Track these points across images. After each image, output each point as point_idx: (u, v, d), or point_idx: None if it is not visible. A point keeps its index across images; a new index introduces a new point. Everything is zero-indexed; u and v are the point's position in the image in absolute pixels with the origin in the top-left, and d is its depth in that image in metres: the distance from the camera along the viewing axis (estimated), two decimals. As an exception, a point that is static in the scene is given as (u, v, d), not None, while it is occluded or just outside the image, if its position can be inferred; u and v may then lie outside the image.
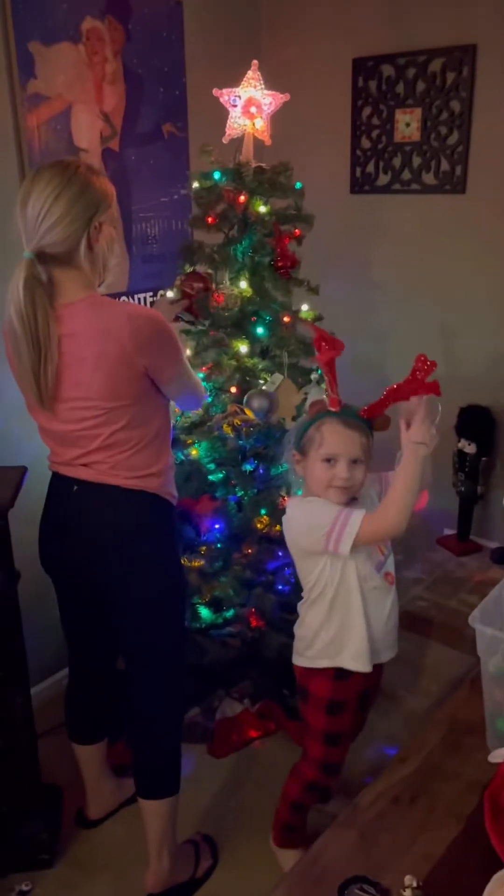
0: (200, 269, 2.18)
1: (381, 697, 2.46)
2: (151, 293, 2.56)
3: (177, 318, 2.08)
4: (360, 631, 1.69)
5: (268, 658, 2.30)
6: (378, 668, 1.81)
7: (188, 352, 2.13)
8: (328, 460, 1.62)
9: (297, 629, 1.80)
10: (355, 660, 1.71)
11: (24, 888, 1.85)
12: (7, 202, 1.59)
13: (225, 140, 2.12)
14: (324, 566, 1.68)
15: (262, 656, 2.31)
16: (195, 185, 2.17)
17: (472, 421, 2.69)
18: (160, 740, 1.81)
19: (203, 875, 1.91)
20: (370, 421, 1.68)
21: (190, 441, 2.23)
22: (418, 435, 1.57)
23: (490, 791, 1.33)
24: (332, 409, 1.64)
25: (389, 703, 2.49)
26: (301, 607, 1.77)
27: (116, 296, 2.45)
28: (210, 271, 2.16)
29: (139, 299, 2.54)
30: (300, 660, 1.79)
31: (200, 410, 2.21)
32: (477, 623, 1.43)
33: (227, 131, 2.11)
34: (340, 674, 1.72)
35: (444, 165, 2.62)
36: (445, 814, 1.40)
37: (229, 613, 2.26)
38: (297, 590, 2.33)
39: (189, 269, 2.17)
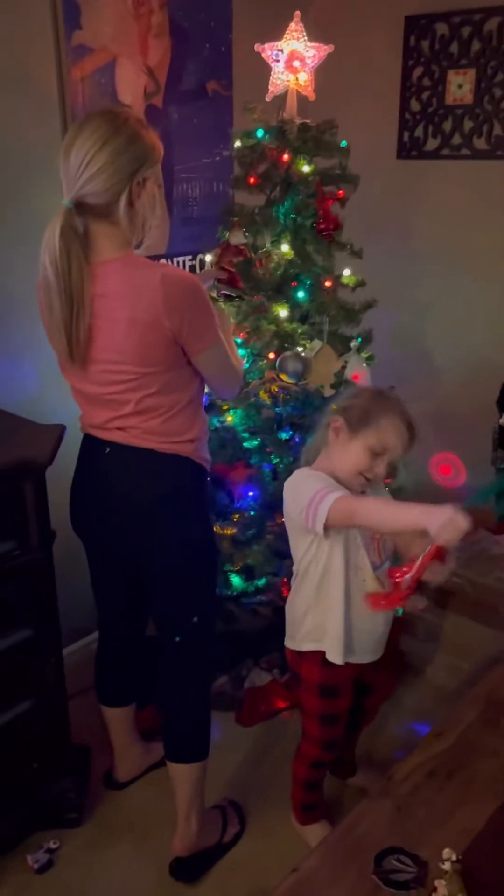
0: (234, 240, 2.12)
1: (408, 674, 2.46)
2: (191, 256, 2.51)
3: (221, 294, 2.02)
4: (336, 620, 1.64)
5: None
6: (378, 661, 1.77)
7: (231, 319, 2.08)
8: (375, 452, 1.57)
9: (287, 610, 1.77)
10: (330, 650, 1.68)
11: (52, 846, 1.87)
12: (50, 156, 1.56)
13: (268, 98, 2.06)
14: (310, 544, 1.64)
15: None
16: (237, 143, 2.12)
17: (515, 396, 2.62)
18: (190, 705, 1.80)
19: (230, 840, 1.91)
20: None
21: (225, 407, 2.20)
22: (442, 531, 1.31)
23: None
24: None
25: (418, 679, 2.47)
26: (292, 586, 1.74)
27: (156, 258, 2.41)
28: (245, 243, 2.10)
29: (178, 262, 2.50)
30: (290, 642, 1.77)
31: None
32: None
33: (271, 88, 2.04)
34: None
35: (497, 129, 2.53)
36: (483, 789, 1.39)
37: (261, 582, 2.24)
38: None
39: (224, 241, 2.11)
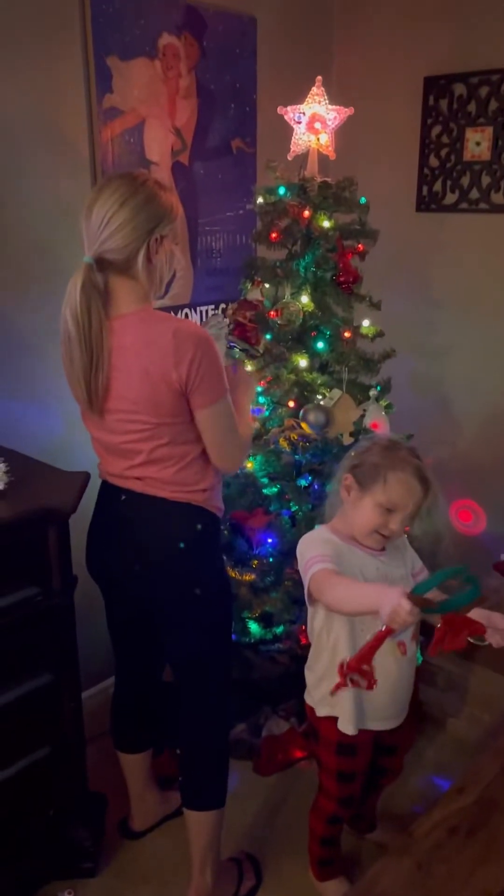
0: (251, 295, 2.19)
1: (428, 725, 2.43)
2: (213, 306, 2.57)
3: (231, 346, 2.09)
4: (346, 691, 1.60)
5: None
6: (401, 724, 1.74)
7: (248, 367, 2.13)
8: (386, 509, 1.55)
9: (307, 665, 1.76)
10: (342, 719, 1.65)
11: None
12: (81, 212, 1.62)
13: (290, 157, 2.13)
14: (316, 607, 1.62)
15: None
16: (260, 199, 2.18)
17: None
18: (206, 751, 1.79)
19: (246, 894, 1.88)
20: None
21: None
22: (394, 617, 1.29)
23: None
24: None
25: (438, 731, 2.43)
26: (312, 642, 1.73)
27: (179, 307, 2.47)
28: (261, 298, 2.17)
29: (201, 312, 2.55)
30: (308, 698, 1.75)
31: (257, 424, 2.21)
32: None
33: (292, 148, 2.12)
34: None
35: (514, 184, 2.57)
36: (504, 848, 1.36)
37: (279, 629, 2.24)
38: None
39: (242, 296, 2.18)
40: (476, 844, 1.37)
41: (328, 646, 1.64)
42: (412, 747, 2.31)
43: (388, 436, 1.84)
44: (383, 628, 1.32)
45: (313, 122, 2.05)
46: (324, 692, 1.68)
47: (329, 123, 2.09)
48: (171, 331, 1.49)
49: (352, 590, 1.46)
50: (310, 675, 1.74)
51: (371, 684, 1.36)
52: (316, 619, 1.65)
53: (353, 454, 1.65)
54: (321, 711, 1.71)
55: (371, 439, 1.68)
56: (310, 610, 1.66)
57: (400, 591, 1.28)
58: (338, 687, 1.40)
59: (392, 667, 1.63)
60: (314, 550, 1.55)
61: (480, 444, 2.84)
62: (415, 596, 1.29)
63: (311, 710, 1.76)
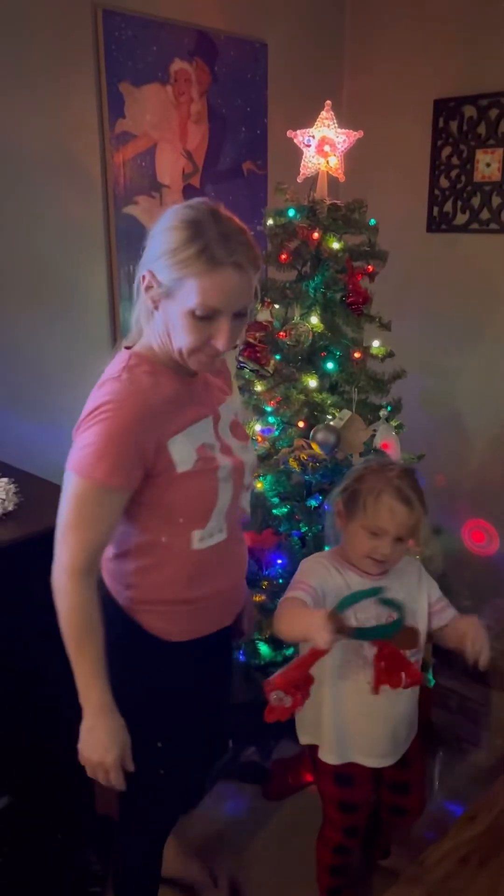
0: (261, 316, 2.19)
1: (441, 749, 2.39)
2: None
3: (241, 366, 2.08)
4: (327, 720, 1.58)
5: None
6: (401, 760, 1.67)
7: (260, 387, 2.12)
8: (372, 532, 1.51)
9: None
10: (322, 748, 1.62)
11: (73, 920, 1.83)
12: (92, 233, 1.64)
13: (299, 180, 2.14)
14: None
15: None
16: (270, 221, 2.18)
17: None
18: (117, 869, 1.65)
19: None
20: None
21: (256, 474, 2.22)
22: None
23: None
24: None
25: (454, 757, 2.39)
26: None
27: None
28: (270, 319, 2.16)
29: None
30: (298, 729, 1.71)
31: (266, 444, 2.20)
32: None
33: (302, 171, 2.13)
34: None
35: (525, 205, 2.58)
36: (515, 880, 1.33)
37: (289, 651, 2.21)
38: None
39: (252, 317, 2.17)
40: (487, 875, 1.35)
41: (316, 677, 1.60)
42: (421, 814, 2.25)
43: (380, 458, 1.81)
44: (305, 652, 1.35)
45: (322, 145, 2.06)
46: (307, 718, 1.64)
47: (338, 146, 2.10)
48: (99, 382, 1.29)
49: (288, 618, 1.44)
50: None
51: (296, 703, 1.35)
52: (300, 644, 1.61)
53: (344, 480, 1.61)
54: (303, 739, 1.68)
55: (364, 462, 1.65)
56: None
57: (323, 612, 1.30)
58: (269, 708, 1.38)
59: (381, 702, 1.55)
60: (298, 576, 1.55)
61: (493, 464, 2.82)
62: (336, 616, 1.30)
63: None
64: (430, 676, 2.23)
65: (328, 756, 1.62)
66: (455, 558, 2.66)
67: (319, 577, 1.55)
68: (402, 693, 1.53)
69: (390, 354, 2.23)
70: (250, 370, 2.14)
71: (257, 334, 2.11)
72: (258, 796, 2.25)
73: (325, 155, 2.08)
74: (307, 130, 2.10)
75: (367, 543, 1.52)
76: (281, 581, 2.16)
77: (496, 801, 1.51)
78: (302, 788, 2.27)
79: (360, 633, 1.39)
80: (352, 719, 1.59)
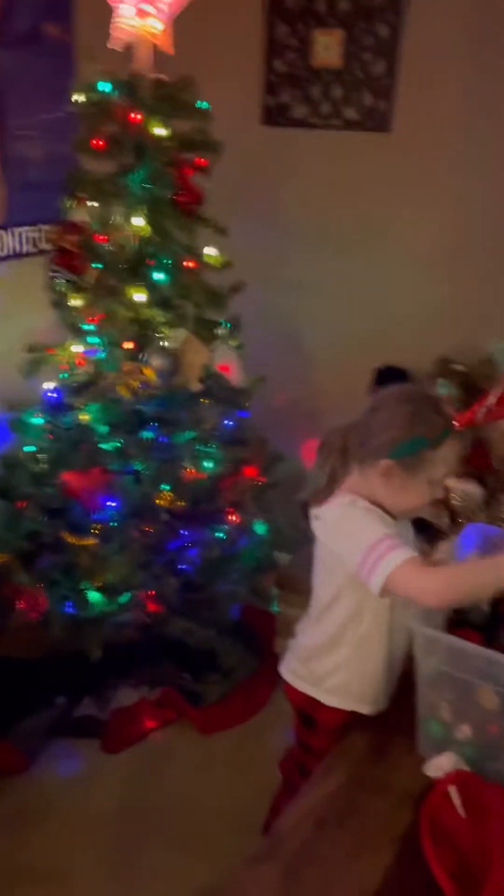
0: (76, 216, 1.95)
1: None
2: (29, 227, 2.23)
3: (53, 275, 1.92)
4: (376, 673, 1.47)
5: (167, 641, 2.14)
6: None
7: (78, 301, 1.91)
8: (438, 480, 1.42)
9: (300, 646, 1.56)
10: (367, 703, 1.50)
11: None
12: None
13: (113, 45, 1.82)
14: (344, 582, 1.40)
15: (161, 639, 2.15)
16: (79, 97, 1.89)
17: None
18: None
19: None
20: None
21: (79, 405, 1.98)
22: None
23: (428, 810, 1.21)
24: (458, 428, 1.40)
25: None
26: (307, 623, 1.54)
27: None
28: (87, 220, 1.94)
29: (20, 235, 2.20)
30: (305, 686, 1.55)
31: (91, 368, 1.97)
32: (415, 623, 1.28)
33: (114, 33, 1.81)
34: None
35: (368, 99, 2.39)
36: (377, 834, 1.26)
37: (124, 598, 2.04)
38: (203, 569, 2.15)
39: (65, 217, 1.96)
40: (347, 836, 1.27)
41: (352, 640, 1.46)
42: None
43: (397, 391, 1.53)
44: None
45: (141, 2, 1.72)
46: (336, 683, 1.50)
47: (163, 7, 1.76)
48: None
49: (470, 575, 1.33)
50: (317, 665, 1.53)
51: None
52: (341, 611, 1.45)
53: (387, 431, 1.38)
54: (330, 702, 1.52)
55: (385, 404, 1.42)
56: (328, 572, 1.44)
57: None
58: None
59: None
60: (380, 528, 1.32)
61: (334, 383, 2.74)
62: None
63: (306, 698, 1.55)
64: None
65: (367, 707, 1.49)
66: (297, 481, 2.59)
67: (389, 525, 1.37)
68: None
69: (228, 264, 2.07)
70: (65, 280, 1.94)
71: (72, 238, 1.90)
72: (96, 751, 2.11)
73: (145, 15, 1.74)
74: (121, -19, 1.74)
75: (430, 494, 1.40)
76: (114, 524, 1.96)
77: (348, 751, 1.43)
78: (143, 737, 2.17)
79: None
80: (398, 660, 1.50)
